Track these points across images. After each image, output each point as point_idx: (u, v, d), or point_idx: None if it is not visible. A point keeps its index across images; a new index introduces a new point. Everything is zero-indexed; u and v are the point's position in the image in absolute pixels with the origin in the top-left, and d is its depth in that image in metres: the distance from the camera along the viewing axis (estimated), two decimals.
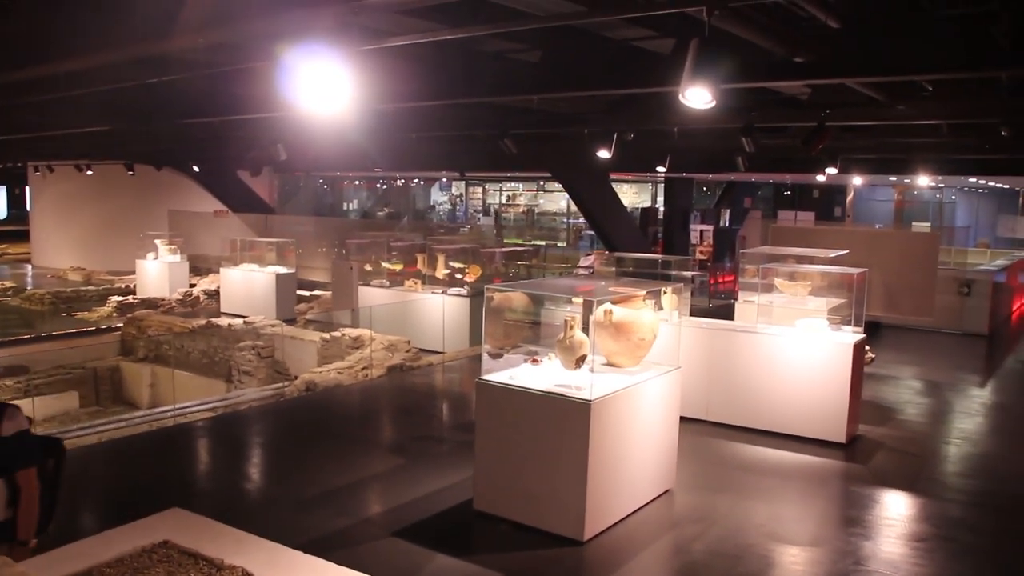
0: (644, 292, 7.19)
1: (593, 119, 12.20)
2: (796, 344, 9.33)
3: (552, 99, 11.10)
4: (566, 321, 6.54)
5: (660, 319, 7.41)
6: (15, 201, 47.52)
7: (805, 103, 10.62)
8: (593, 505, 6.40)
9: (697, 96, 6.18)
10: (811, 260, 11.38)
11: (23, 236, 37.04)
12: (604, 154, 12.52)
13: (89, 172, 27.41)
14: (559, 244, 36.87)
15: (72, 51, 7.19)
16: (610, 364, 7.20)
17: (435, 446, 9.30)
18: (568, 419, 6.33)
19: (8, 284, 26.70)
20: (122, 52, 7.07)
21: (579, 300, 7.22)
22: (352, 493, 7.66)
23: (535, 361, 6.99)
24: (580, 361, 6.60)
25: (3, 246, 40.22)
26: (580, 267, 24.90)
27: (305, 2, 5.22)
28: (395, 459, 8.71)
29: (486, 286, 7.00)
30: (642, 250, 19.33)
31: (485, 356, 6.89)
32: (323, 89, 5.41)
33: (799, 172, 22.26)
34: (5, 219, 47.52)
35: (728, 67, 6.56)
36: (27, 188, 37.63)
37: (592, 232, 28.35)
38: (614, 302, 7.00)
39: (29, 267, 34.02)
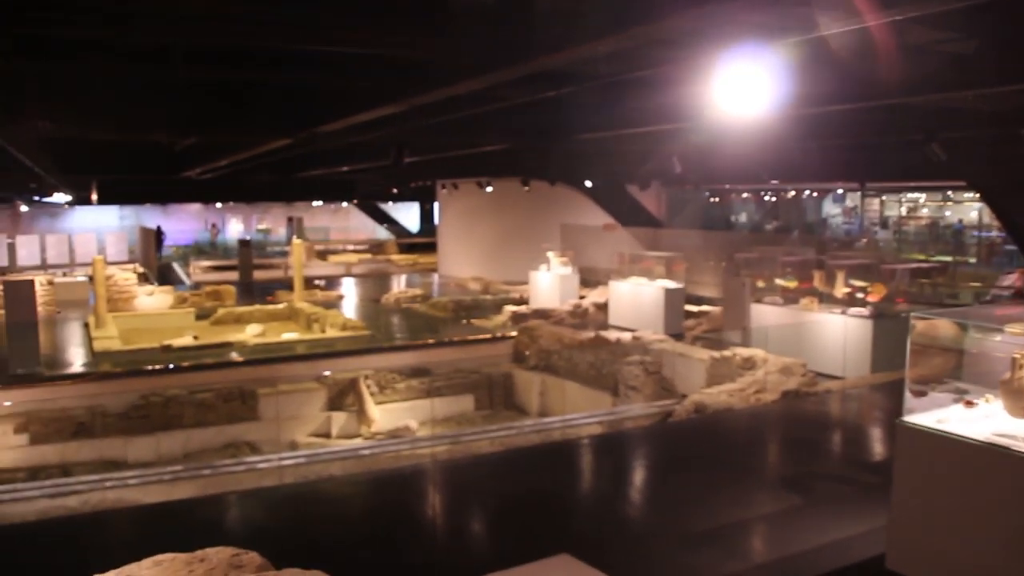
0: None
1: None
2: None
3: (984, 96, 9.66)
4: (1015, 359, 5.44)
5: None
6: (426, 216, 52.09)
7: None
8: None
9: None
10: None
11: (432, 248, 40.31)
12: None
13: (489, 188, 29.14)
14: (969, 260, 33.34)
15: (472, 70, 7.25)
16: None
17: (836, 486, 8.39)
18: (1015, 477, 5.25)
19: (418, 292, 28.87)
20: (523, 67, 6.99)
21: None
22: (742, 533, 7.04)
23: (969, 404, 5.93)
24: None
25: (415, 256, 44.22)
26: (998, 287, 22.15)
27: None
28: (790, 497, 7.98)
29: (912, 313, 6.06)
30: None
31: (907, 394, 5.96)
32: (740, 91, 4.88)
33: None
34: (418, 232, 52.21)
35: None
36: (435, 204, 40.88)
37: (1013, 247, 25.18)
38: None
39: (436, 276, 36.83)
